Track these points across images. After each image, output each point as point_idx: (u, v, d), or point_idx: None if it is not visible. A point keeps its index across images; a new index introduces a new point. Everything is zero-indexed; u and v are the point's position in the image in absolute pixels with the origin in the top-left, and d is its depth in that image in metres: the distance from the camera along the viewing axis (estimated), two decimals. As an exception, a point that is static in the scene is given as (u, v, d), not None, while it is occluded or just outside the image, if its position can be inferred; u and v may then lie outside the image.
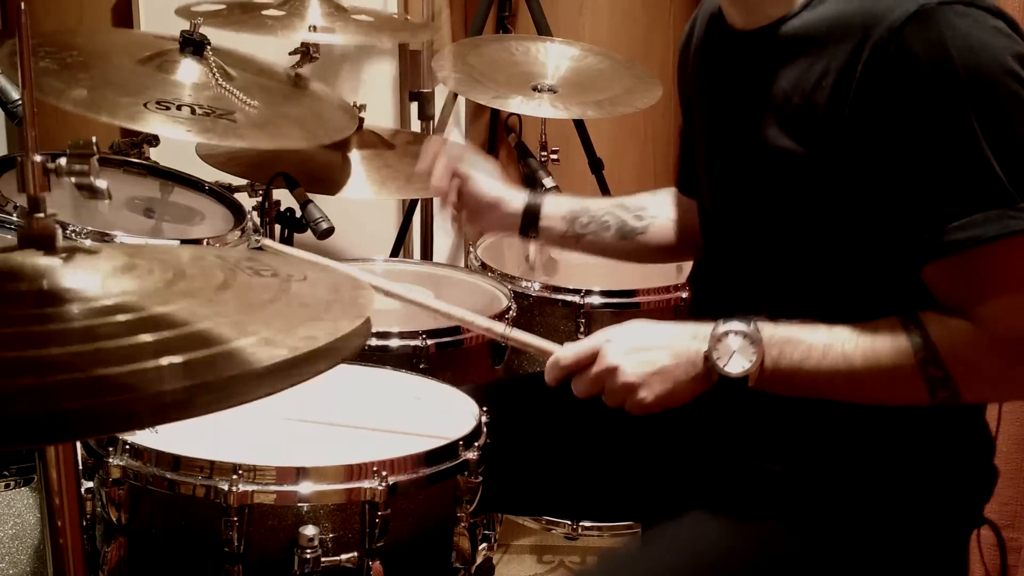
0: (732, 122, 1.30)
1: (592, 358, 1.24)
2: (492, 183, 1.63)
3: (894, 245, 1.16)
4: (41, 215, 0.89)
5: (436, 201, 2.78)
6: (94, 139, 0.95)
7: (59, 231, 0.90)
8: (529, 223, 1.61)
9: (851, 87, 1.14)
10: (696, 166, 1.45)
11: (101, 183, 0.96)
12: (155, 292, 0.89)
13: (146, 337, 0.79)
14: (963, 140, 1.09)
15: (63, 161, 0.94)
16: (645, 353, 1.22)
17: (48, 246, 0.89)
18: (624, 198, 1.66)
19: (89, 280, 0.87)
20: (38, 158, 0.89)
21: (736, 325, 1.19)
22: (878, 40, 1.12)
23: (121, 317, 0.82)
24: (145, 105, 1.73)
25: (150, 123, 1.73)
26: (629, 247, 1.63)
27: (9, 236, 1.60)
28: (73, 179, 0.95)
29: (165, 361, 0.76)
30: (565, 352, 1.27)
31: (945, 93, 1.09)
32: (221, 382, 0.77)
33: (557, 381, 1.28)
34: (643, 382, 1.21)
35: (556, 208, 1.63)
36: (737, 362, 1.18)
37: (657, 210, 1.63)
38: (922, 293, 1.17)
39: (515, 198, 1.62)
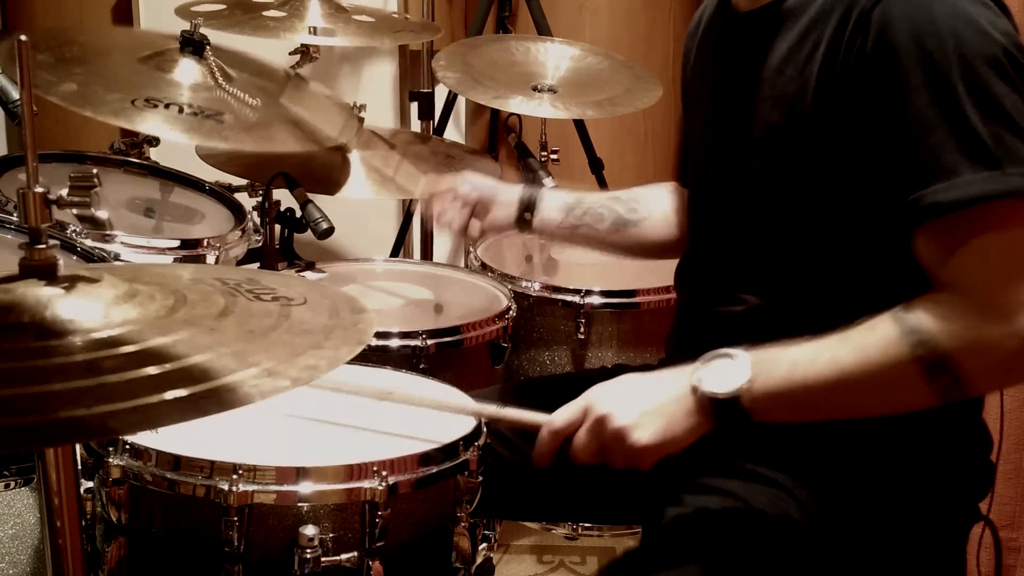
0: (730, 103, 1.31)
1: (583, 416, 1.22)
2: (486, 181, 1.68)
3: (885, 220, 1.14)
4: (42, 246, 0.90)
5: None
6: (95, 171, 0.96)
7: (59, 261, 0.91)
8: (525, 213, 1.64)
9: (839, 56, 1.15)
10: (691, 155, 1.45)
11: (102, 215, 0.97)
12: (157, 321, 0.89)
13: (149, 370, 0.80)
14: (947, 105, 1.09)
15: (64, 193, 0.95)
16: (633, 395, 1.20)
17: (49, 276, 0.90)
18: (620, 192, 1.68)
19: (91, 310, 0.88)
20: (39, 189, 0.90)
21: (721, 351, 1.17)
22: (863, 7, 1.13)
23: (124, 349, 0.83)
24: (133, 102, 1.72)
25: (134, 119, 1.71)
26: (623, 240, 1.64)
27: (9, 236, 1.61)
28: (74, 211, 0.96)
29: (169, 396, 0.77)
30: (555, 417, 1.24)
31: (929, 58, 1.09)
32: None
33: (553, 451, 1.24)
34: (635, 423, 1.18)
35: (552, 199, 1.66)
36: (725, 382, 1.15)
37: (653, 204, 1.65)
38: (919, 282, 1.15)
39: (511, 191, 1.67)
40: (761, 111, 1.24)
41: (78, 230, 1.66)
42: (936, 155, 1.09)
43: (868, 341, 1.11)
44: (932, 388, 1.10)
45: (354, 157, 2.16)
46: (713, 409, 1.16)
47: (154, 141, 2.10)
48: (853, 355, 1.12)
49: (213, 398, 0.79)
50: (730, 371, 1.15)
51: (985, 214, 1.08)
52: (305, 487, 1.19)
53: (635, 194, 1.66)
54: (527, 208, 1.65)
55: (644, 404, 1.19)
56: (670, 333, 1.49)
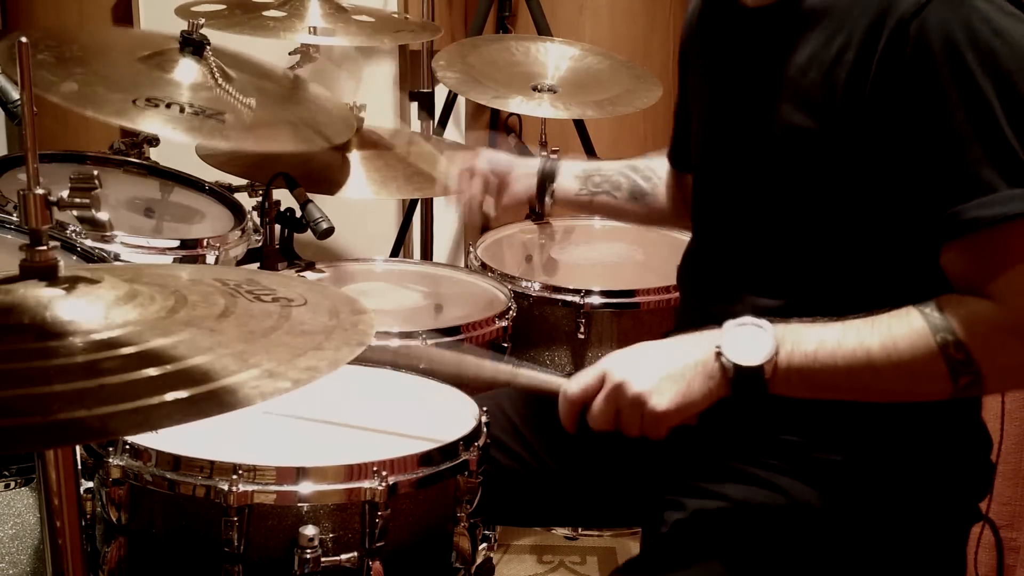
0: (742, 100, 1.30)
1: (600, 383, 1.21)
2: (502, 156, 1.73)
3: (911, 228, 1.15)
4: (43, 247, 0.90)
5: (436, 201, 2.80)
6: (95, 172, 0.96)
7: (60, 262, 0.91)
8: (545, 184, 1.68)
9: (872, 63, 1.15)
10: (692, 149, 1.45)
11: (102, 216, 0.97)
12: (157, 322, 0.89)
13: (150, 371, 0.80)
14: (985, 121, 1.09)
15: (64, 194, 0.95)
16: (651, 360, 1.20)
17: (50, 277, 0.90)
18: (635, 160, 1.72)
19: (91, 311, 0.88)
20: (39, 191, 0.90)
21: (746, 319, 1.17)
22: (902, 16, 1.13)
23: (124, 350, 0.83)
24: (134, 102, 1.72)
25: (135, 119, 1.70)
26: (639, 208, 1.69)
27: (9, 236, 1.61)
28: (75, 212, 0.96)
29: (170, 397, 0.77)
30: (571, 384, 1.24)
31: (967, 73, 1.10)
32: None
33: (573, 419, 1.24)
34: (653, 388, 1.17)
35: (570, 169, 1.70)
36: (750, 353, 1.15)
37: (661, 172, 1.69)
38: (933, 282, 1.15)
39: (528, 164, 1.71)
40: (781, 111, 1.23)
41: (78, 230, 1.66)
42: (974, 171, 1.10)
43: (897, 330, 1.13)
44: (952, 382, 1.12)
45: (354, 157, 2.16)
46: (734, 377, 1.16)
47: (154, 141, 2.10)
48: (881, 342, 1.13)
49: (213, 399, 0.79)
50: (756, 341, 1.15)
51: (1019, 231, 1.09)
52: (305, 487, 1.19)
53: (649, 162, 1.70)
54: (546, 180, 1.68)
55: (662, 369, 1.18)
56: (670, 332, 1.49)
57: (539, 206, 1.70)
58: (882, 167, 1.16)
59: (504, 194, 1.71)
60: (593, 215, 1.76)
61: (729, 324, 1.18)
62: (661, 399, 1.17)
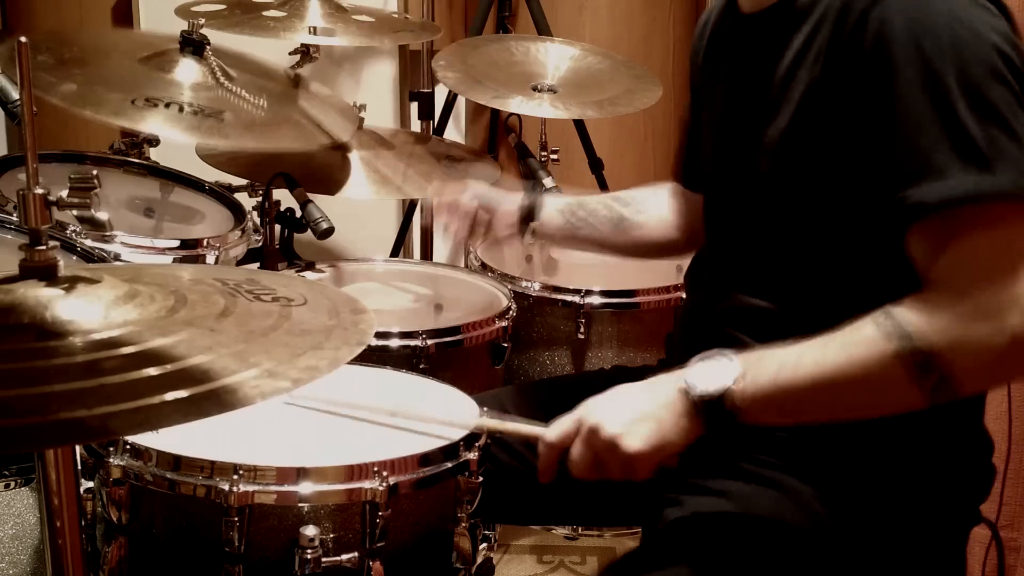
0: (738, 106, 1.31)
1: (577, 429, 1.22)
2: (488, 191, 1.71)
3: (884, 220, 1.14)
4: (42, 247, 0.90)
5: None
6: (95, 172, 0.96)
7: (60, 262, 0.91)
8: (527, 218, 1.66)
9: (838, 55, 1.16)
10: (703, 158, 1.45)
11: (102, 216, 0.97)
12: (157, 322, 0.89)
13: (150, 371, 0.80)
14: (941, 105, 1.09)
15: (64, 194, 0.95)
16: (623, 403, 1.20)
17: (49, 277, 0.90)
18: (620, 192, 1.69)
19: (91, 311, 0.88)
20: (39, 191, 0.90)
21: (710, 353, 1.17)
22: (863, 7, 1.13)
23: (124, 350, 0.83)
24: (133, 102, 1.72)
25: (134, 119, 1.71)
26: (625, 241, 1.65)
27: (9, 236, 1.61)
28: (74, 212, 0.96)
29: (170, 396, 0.77)
30: (550, 432, 1.24)
31: (925, 59, 1.09)
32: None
33: (552, 465, 1.24)
34: (626, 430, 1.17)
35: (553, 204, 1.67)
36: (711, 382, 1.15)
37: (654, 205, 1.65)
38: (917, 279, 1.14)
39: (512, 200, 1.68)
40: (772, 113, 1.24)
41: (78, 230, 1.66)
42: (927, 154, 1.09)
43: (852, 341, 1.11)
44: (919, 388, 1.09)
45: (354, 157, 2.16)
46: (701, 410, 1.16)
47: (154, 141, 2.10)
48: (837, 355, 1.11)
49: (213, 399, 0.79)
50: (717, 371, 1.15)
51: (974, 214, 1.08)
52: (306, 487, 1.19)
53: (635, 195, 1.67)
54: (528, 215, 1.67)
55: (634, 411, 1.19)
56: (672, 332, 1.49)
57: (520, 240, 1.70)
58: (856, 159, 1.16)
59: (489, 230, 1.70)
60: (579, 250, 1.72)
61: (693, 359, 1.18)
62: (634, 440, 1.17)
